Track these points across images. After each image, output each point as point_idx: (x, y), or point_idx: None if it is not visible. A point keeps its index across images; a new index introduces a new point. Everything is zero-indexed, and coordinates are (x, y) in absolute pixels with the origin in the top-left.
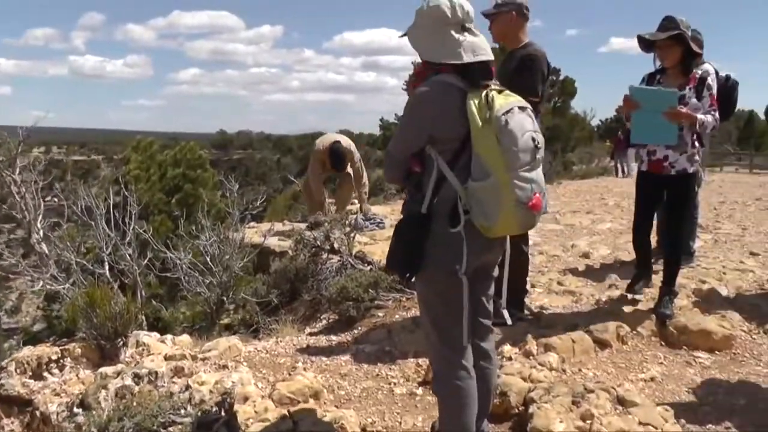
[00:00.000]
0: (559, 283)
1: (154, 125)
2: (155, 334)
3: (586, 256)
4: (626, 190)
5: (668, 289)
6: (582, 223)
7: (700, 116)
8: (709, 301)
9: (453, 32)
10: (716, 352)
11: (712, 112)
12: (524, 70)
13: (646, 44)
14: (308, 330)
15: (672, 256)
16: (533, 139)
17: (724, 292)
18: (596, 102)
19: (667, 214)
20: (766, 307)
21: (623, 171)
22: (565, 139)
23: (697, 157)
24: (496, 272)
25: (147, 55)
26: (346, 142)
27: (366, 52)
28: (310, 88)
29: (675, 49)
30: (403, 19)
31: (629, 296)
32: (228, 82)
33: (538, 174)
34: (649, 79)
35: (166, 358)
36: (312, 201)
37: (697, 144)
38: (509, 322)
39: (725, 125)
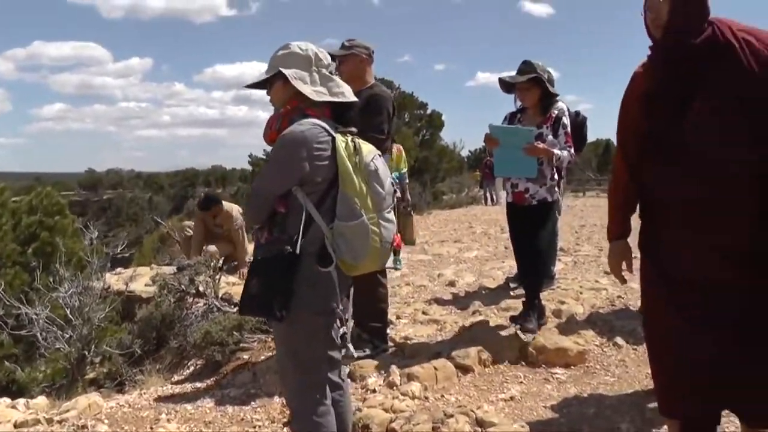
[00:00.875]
0: (424, 313)
1: (16, 165)
2: (5, 400)
3: (452, 284)
4: (494, 218)
5: (531, 305)
6: (450, 252)
7: (556, 151)
8: (567, 320)
9: (327, 74)
10: (572, 367)
11: (568, 148)
12: (371, 110)
13: (506, 86)
14: (175, 378)
15: (532, 276)
16: (392, 184)
17: (580, 310)
18: (465, 133)
19: (528, 237)
20: (616, 321)
21: (492, 199)
22: (435, 170)
23: (556, 188)
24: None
25: (5, 89)
26: (228, 205)
27: (237, 85)
28: (182, 123)
29: (533, 91)
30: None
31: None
32: (96, 117)
33: (393, 215)
34: (511, 118)
35: (17, 425)
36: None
37: (556, 176)
38: (355, 354)
39: (586, 153)
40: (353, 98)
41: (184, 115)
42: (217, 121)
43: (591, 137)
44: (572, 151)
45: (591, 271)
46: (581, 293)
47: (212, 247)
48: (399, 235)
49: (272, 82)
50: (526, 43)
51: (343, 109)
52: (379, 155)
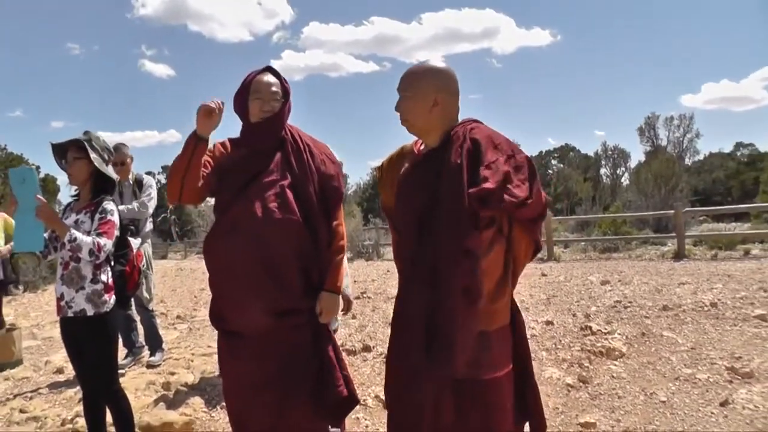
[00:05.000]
0: (23, 411)
1: None
2: None
3: (60, 371)
4: None
5: None
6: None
7: (77, 233)
8: (176, 392)
9: None
10: None
11: (94, 236)
12: None
13: (59, 154)
14: None
15: (121, 417)
16: None
17: (190, 378)
18: None
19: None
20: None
21: None
22: None
23: (105, 297)
24: None
25: None
26: None
27: None
28: None
29: (82, 165)
30: None
31: None
32: None
33: None
34: (67, 206)
35: None
36: None
37: (106, 278)
38: None
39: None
40: None
41: None
42: None
43: None
44: (104, 240)
45: (205, 336)
46: (192, 360)
47: None
48: None
49: None
50: (148, 103)
51: None
52: None
